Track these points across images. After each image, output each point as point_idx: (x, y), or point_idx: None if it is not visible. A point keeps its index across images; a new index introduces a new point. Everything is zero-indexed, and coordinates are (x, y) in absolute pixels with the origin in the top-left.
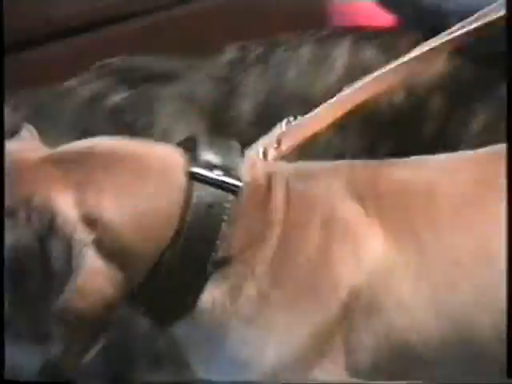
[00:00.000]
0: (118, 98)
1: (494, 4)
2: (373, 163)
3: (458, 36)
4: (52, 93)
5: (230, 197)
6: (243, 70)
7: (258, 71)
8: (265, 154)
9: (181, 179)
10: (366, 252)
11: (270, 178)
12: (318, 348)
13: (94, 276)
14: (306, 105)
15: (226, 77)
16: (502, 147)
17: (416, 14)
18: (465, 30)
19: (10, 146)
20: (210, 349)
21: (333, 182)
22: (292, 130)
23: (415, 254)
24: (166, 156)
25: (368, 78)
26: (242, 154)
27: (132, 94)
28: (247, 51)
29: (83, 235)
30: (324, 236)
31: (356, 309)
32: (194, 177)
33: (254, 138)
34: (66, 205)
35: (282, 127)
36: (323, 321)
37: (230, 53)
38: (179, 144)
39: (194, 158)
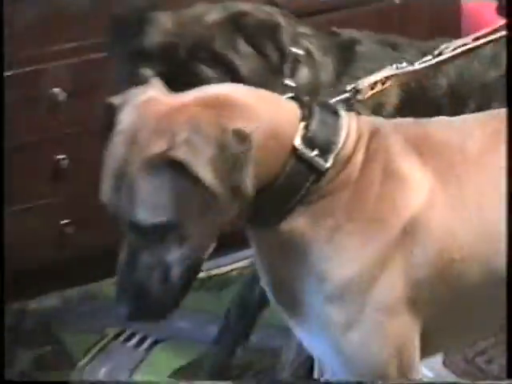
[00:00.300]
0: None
1: None
2: (421, 122)
3: None
4: None
5: (317, 174)
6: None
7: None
8: (358, 92)
9: (289, 142)
10: (421, 190)
11: (357, 144)
12: (383, 264)
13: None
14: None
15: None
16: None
17: None
18: None
19: (149, 92)
20: (293, 263)
21: (396, 138)
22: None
23: (456, 192)
24: (291, 115)
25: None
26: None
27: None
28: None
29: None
30: (388, 180)
31: (414, 233)
32: (296, 150)
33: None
34: (222, 127)
35: (388, 70)
36: (387, 243)
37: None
38: (302, 103)
39: (306, 125)
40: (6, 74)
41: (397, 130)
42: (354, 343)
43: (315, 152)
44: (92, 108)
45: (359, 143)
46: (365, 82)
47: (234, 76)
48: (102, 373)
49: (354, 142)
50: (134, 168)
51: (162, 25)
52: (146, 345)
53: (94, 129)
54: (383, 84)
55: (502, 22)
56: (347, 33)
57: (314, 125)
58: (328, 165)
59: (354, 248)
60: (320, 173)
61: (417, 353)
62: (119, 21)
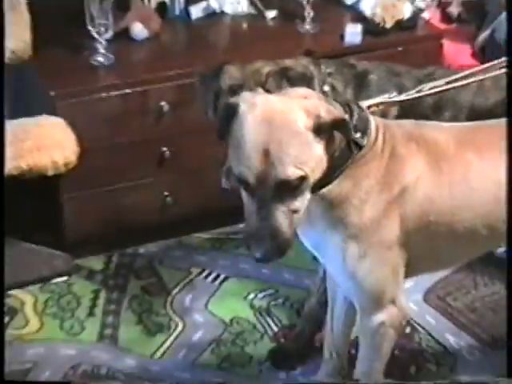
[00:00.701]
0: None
1: None
2: (419, 123)
3: None
4: None
5: (359, 149)
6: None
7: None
8: (369, 107)
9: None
10: (413, 168)
11: (377, 132)
12: (387, 215)
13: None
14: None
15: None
16: (488, 122)
17: None
18: None
19: (259, 94)
20: (330, 214)
21: (400, 131)
22: (393, 99)
23: (437, 174)
24: (340, 109)
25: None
26: (370, 118)
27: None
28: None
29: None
30: (394, 158)
31: (405, 196)
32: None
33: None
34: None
35: (387, 96)
36: (390, 201)
37: (428, 70)
38: (340, 103)
39: (350, 117)
40: (128, 91)
41: (401, 126)
42: (365, 269)
43: (358, 134)
44: (187, 116)
45: (378, 133)
46: (365, 104)
47: None
48: (187, 299)
49: (375, 130)
50: (284, 138)
51: (232, 73)
52: (219, 280)
53: (188, 131)
54: (377, 107)
55: (468, 70)
56: (362, 65)
57: (355, 117)
58: (365, 142)
59: (371, 202)
60: (361, 148)
61: (402, 273)
62: (204, 72)
